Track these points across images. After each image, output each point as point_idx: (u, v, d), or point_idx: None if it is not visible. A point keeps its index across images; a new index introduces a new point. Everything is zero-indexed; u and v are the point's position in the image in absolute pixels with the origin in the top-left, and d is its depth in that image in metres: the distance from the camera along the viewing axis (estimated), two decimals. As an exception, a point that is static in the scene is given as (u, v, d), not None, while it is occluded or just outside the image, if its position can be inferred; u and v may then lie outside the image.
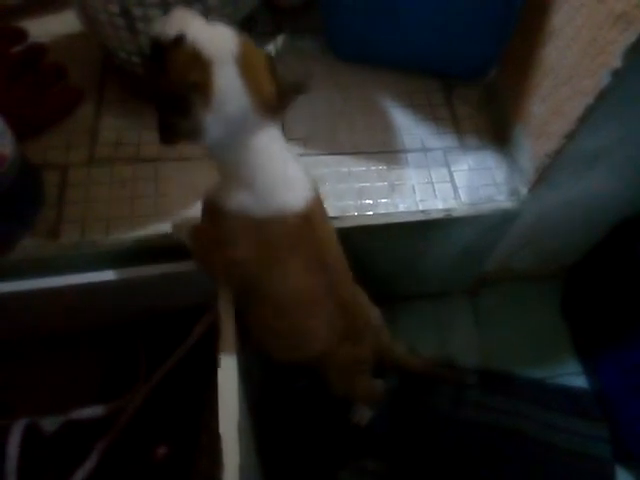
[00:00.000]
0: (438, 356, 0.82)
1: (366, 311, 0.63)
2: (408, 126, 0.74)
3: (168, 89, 0.44)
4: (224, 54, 0.43)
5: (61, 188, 0.64)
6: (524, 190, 0.68)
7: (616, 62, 0.50)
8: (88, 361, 0.68)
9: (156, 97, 0.45)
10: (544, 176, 0.65)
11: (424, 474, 0.75)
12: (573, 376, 0.84)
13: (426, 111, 0.76)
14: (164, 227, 0.62)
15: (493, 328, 0.87)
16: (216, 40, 0.43)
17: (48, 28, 0.77)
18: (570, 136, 0.58)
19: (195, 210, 0.63)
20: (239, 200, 0.47)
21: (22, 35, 0.70)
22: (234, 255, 0.49)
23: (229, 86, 0.43)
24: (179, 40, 0.43)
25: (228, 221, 0.48)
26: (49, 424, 0.61)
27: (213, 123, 0.43)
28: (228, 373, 0.54)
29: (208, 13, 0.57)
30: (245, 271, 0.51)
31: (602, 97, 0.53)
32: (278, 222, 0.48)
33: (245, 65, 0.43)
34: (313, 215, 0.50)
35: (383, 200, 0.68)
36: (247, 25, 0.64)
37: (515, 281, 0.91)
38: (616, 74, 0.50)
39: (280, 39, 0.80)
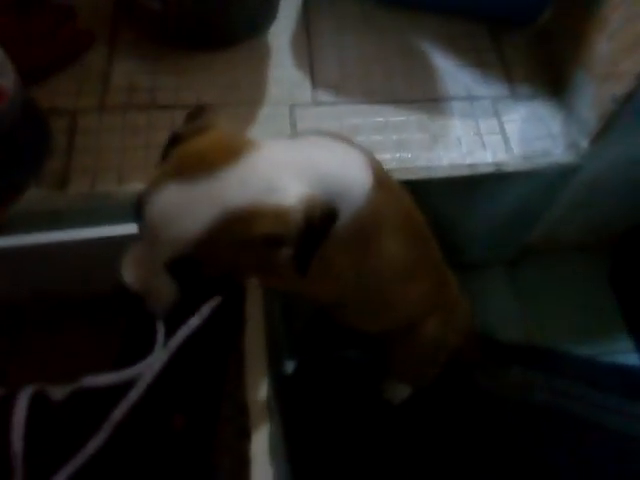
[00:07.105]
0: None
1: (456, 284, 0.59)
2: (452, 72, 0.66)
3: None
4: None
5: (70, 135, 0.58)
6: (584, 143, 0.60)
7: None
8: (102, 326, 0.62)
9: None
10: (608, 125, 0.57)
11: (464, 455, 0.69)
12: (624, 354, 0.77)
13: (471, 56, 0.68)
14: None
15: (535, 302, 0.80)
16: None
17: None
18: (646, 74, 0.51)
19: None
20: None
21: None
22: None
23: None
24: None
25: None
26: (58, 392, 0.56)
27: None
28: (255, 339, 0.48)
29: None
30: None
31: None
32: (363, 207, 0.42)
33: None
34: (383, 184, 0.44)
35: (424, 153, 0.61)
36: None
37: (558, 252, 0.83)
38: None
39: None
